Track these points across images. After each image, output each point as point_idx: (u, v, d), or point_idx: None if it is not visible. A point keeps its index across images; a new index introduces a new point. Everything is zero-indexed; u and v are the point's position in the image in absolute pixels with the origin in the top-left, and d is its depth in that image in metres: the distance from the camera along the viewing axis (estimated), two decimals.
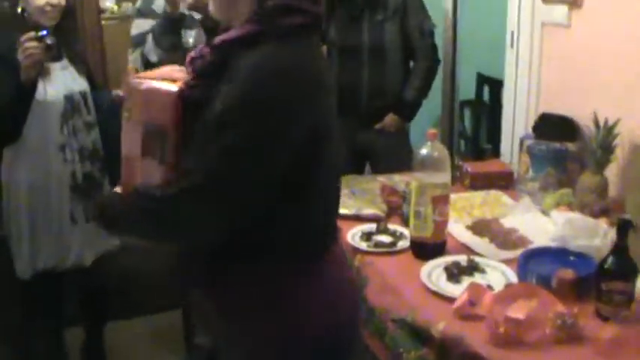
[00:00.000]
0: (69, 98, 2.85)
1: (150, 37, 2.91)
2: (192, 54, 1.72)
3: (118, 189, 1.84)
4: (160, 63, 2.86)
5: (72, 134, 2.88)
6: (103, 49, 3.78)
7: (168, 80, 1.70)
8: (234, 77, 1.57)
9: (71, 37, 3.00)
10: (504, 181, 3.00)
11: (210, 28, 2.71)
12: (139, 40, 2.99)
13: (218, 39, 1.66)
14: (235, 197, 1.58)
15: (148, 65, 2.93)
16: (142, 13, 3.09)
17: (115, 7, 4.21)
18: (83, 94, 2.91)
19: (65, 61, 2.89)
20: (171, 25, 2.85)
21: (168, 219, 1.60)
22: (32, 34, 2.60)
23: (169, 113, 1.65)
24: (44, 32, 2.62)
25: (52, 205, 2.88)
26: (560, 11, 3.02)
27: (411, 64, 3.75)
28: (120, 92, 1.72)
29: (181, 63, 2.81)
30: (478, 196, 2.85)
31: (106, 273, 3.19)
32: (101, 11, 3.95)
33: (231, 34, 1.65)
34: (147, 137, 1.69)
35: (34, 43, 2.58)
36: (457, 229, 2.49)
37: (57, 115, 2.82)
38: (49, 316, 3.09)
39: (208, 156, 1.55)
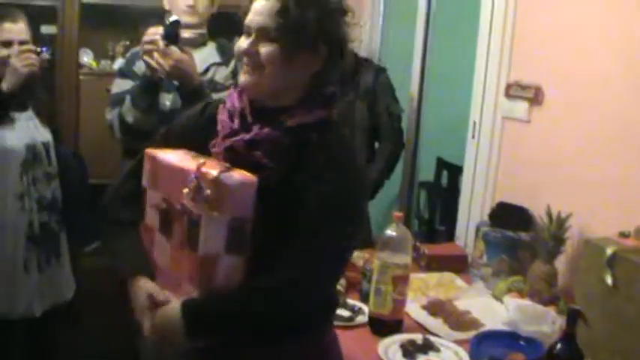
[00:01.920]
0: (30, 148, 2.88)
1: (128, 98, 2.95)
2: (234, 141, 1.74)
3: (187, 292, 1.72)
4: (136, 124, 2.92)
5: (31, 184, 2.89)
6: (79, 104, 3.83)
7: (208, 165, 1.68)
8: (321, 168, 1.71)
9: (39, 89, 3.04)
10: (459, 265, 3.12)
11: (187, 93, 2.80)
12: (118, 100, 3.02)
13: (292, 122, 1.73)
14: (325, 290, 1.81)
15: (123, 125, 2.97)
16: (123, 73, 3.14)
17: (94, 64, 4.26)
18: (46, 145, 2.95)
19: (30, 112, 2.94)
20: (149, 88, 2.89)
21: (275, 318, 1.68)
22: (32, 46, 2.69)
23: (251, 205, 1.66)
24: (44, 49, 2.71)
25: (7, 253, 2.86)
26: (521, 107, 3.18)
27: (376, 145, 3.87)
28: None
29: (156, 125, 2.90)
30: (434, 277, 2.95)
31: (57, 325, 3.16)
32: (79, 66, 4.00)
33: (306, 118, 1.74)
34: (231, 232, 1.66)
35: (33, 55, 2.66)
36: (413, 308, 2.58)
37: (17, 163, 2.85)
38: None
39: (311, 254, 1.68)
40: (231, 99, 1.83)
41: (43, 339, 3.20)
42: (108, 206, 1.95)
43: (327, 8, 1.74)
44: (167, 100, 2.97)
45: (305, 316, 1.73)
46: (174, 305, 1.67)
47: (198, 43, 3.04)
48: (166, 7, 3.07)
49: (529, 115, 3.15)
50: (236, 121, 1.77)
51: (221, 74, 3.08)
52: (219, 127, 1.80)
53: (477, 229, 3.14)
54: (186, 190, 1.63)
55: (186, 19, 2.99)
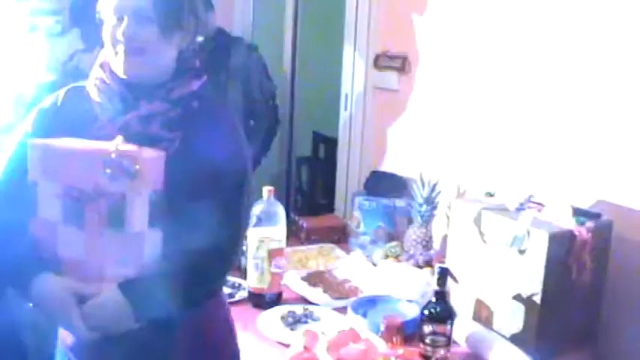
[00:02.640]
0: None
1: None
2: (127, 119, 1.71)
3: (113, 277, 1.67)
4: None
5: None
6: None
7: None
8: (212, 129, 1.77)
9: None
10: (338, 235, 3.16)
11: None
12: None
13: (176, 94, 1.76)
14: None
15: None
16: None
17: None
18: None
19: None
20: None
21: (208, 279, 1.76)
22: None
23: (162, 178, 1.68)
24: None
25: None
26: (391, 77, 3.24)
27: (252, 123, 3.87)
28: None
29: None
30: (313, 249, 2.99)
31: None
32: None
33: (188, 88, 1.78)
34: (151, 207, 1.66)
35: None
36: (293, 280, 2.60)
37: None
38: None
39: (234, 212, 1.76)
40: (102, 80, 1.78)
41: None
42: None
43: None
44: None
45: (225, 275, 1.86)
46: (109, 292, 1.63)
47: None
48: None
49: (398, 84, 3.22)
50: (117, 102, 1.74)
51: (86, 61, 3.01)
52: (97, 111, 1.75)
53: (353, 199, 3.19)
54: (108, 170, 1.59)
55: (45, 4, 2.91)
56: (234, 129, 1.85)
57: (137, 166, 1.59)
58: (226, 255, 1.79)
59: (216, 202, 1.68)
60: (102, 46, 2.73)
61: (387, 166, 3.21)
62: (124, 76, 1.73)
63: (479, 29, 2.78)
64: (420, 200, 2.80)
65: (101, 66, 1.81)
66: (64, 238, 1.70)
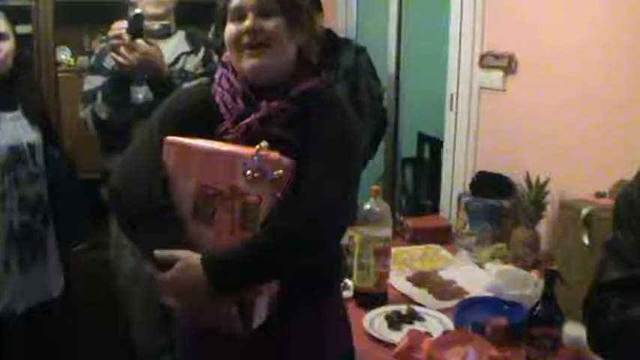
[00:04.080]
0: (14, 148, 2.85)
1: (99, 94, 2.96)
2: (248, 122, 1.75)
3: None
4: (110, 120, 2.92)
5: (13, 184, 2.86)
6: (59, 102, 3.83)
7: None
8: (326, 124, 1.78)
9: (27, 88, 3.03)
10: (443, 236, 3.15)
11: (157, 85, 2.81)
12: (90, 97, 3.01)
13: (296, 91, 1.78)
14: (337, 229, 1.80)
15: (97, 121, 2.97)
16: (94, 69, 3.13)
17: (72, 60, 4.24)
18: (31, 145, 2.91)
19: (18, 112, 2.91)
20: (119, 83, 2.88)
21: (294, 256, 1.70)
22: None
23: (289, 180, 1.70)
24: None
25: None
26: (496, 76, 3.21)
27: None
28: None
29: (130, 120, 2.91)
30: (418, 249, 2.98)
31: (42, 321, 3.10)
32: (57, 64, 4.00)
33: (306, 85, 1.81)
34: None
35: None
36: (398, 281, 2.61)
37: None
38: None
39: (320, 195, 1.71)
40: (226, 80, 1.83)
41: (28, 335, 3.13)
42: (138, 201, 1.79)
43: None
44: (139, 93, 2.98)
45: (319, 256, 1.77)
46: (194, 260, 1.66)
47: (163, 34, 3.05)
48: None
49: (504, 84, 3.18)
50: (240, 102, 1.78)
51: (191, 63, 3.09)
52: (222, 110, 1.80)
53: (459, 200, 3.17)
54: (248, 172, 1.63)
55: (152, 10, 3.00)
56: (344, 114, 1.85)
57: (280, 172, 1.63)
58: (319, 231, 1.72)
59: (315, 185, 1.70)
60: (208, 47, 2.82)
61: (493, 167, 3.17)
62: (249, 73, 1.76)
63: (587, 25, 2.72)
64: (527, 201, 2.76)
65: (224, 65, 1.86)
66: (194, 233, 1.74)
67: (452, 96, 3.51)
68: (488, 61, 3.26)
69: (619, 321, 1.44)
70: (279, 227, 1.65)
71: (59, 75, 3.91)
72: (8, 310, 2.92)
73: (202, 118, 1.82)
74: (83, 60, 4.16)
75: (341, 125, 1.80)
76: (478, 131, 3.38)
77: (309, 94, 1.80)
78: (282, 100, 1.76)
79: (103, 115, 2.93)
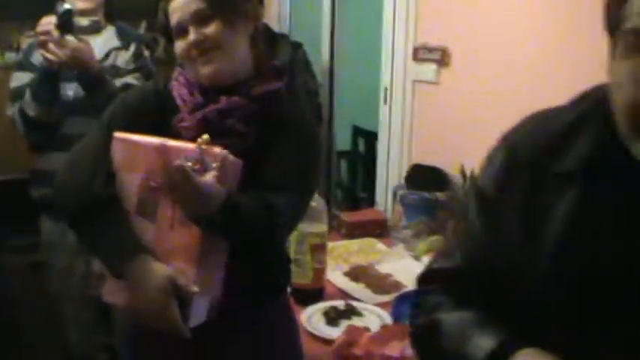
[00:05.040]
0: None
1: (28, 91, 2.88)
2: (206, 112, 1.77)
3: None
4: (38, 117, 2.85)
5: None
6: None
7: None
8: (289, 126, 1.83)
9: None
10: (379, 229, 3.15)
11: (87, 82, 2.75)
12: (18, 94, 2.92)
13: (257, 91, 1.81)
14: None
15: (25, 119, 2.90)
16: (22, 66, 3.05)
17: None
18: None
19: None
20: (47, 79, 2.80)
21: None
22: None
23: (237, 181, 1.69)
24: None
25: None
26: (430, 69, 3.22)
27: None
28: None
29: (59, 117, 2.84)
30: (354, 243, 2.98)
31: None
32: None
33: (268, 87, 1.83)
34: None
35: None
36: (334, 276, 2.60)
37: None
38: None
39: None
40: (183, 76, 1.84)
41: None
42: (80, 193, 1.81)
43: None
44: (69, 89, 2.91)
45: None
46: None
47: (93, 29, 2.98)
48: None
49: (438, 77, 3.20)
50: (197, 95, 1.80)
51: (122, 58, 3.02)
52: (179, 102, 1.82)
53: (395, 193, 3.17)
54: (189, 164, 1.58)
55: (82, 5, 2.93)
56: (308, 124, 1.92)
57: (219, 164, 1.61)
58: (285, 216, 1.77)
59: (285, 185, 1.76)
60: (139, 42, 2.78)
61: (428, 160, 3.18)
62: (208, 80, 1.78)
63: (520, 18, 2.75)
64: (462, 193, 2.78)
65: (181, 65, 1.87)
66: (137, 228, 1.74)
67: (386, 89, 3.51)
68: (421, 54, 3.27)
69: (425, 322, 1.29)
70: (265, 198, 1.70)
71: None
72: None
73: (154, 113, 1.84)
74: (10, 56, 4.07)
75: (301, 139, 1.85)
76: (412, 124, 3.40)
77: (270, 96, 1.84)
78: (243, 98, 1.79)
79: (31, 113, 2.85)
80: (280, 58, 3.65)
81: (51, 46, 2.65)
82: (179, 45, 1.79)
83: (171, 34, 1.82)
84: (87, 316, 3.09)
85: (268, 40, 3.42)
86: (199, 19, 1.75)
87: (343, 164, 5.39)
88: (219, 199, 1.57)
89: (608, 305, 1.10)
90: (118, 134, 1.78)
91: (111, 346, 3.16)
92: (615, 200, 1.11)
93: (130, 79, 2.93)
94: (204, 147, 1.62)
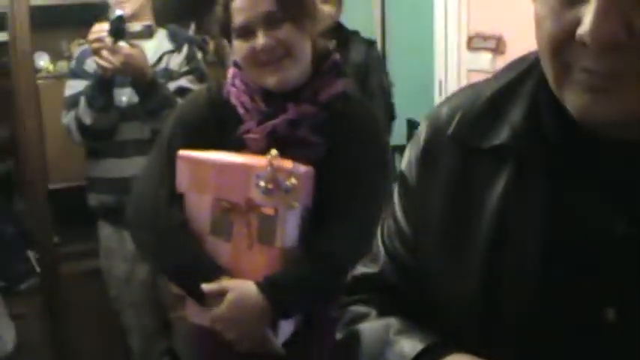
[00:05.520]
0: None
1: (82, 99, 2.88)
2: (276, 123, 1.68)
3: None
4: (94, 124, 2.85)
5: None
6: (39, 109, 3.74)
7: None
8: (360, 134, 1.73)
9: None
10: None
11: (141, 87, 2.73)
12: (73, 102, 2.95)
13: (325, 96, 1.71)
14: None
15: (81, 127, 2.91)
16: (75, 73, 3.06)
17: (51, 66, 4.15)
18: None
19: None
20: (102, 86, 2.81)
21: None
22: None
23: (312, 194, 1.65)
24: None
25: None
26: (485, 58, 3.15)
27: None
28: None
29: (113, 124, 2.84)
30: None
31: None
32: (37, 70, 3.91)
33: (334, 90, 1.73)
34: (302, 223, 1.65)
35: None
36: None
37: None
38: None
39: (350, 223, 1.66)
40: (241, 80, 1.75)
41: None
42: (149, 221, 1.80)
43: None
44: (123, 95, 2.91)
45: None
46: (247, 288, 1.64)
47: (146, 34, 2.98)
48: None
49: (493, 66, 3.12)
50: (260, 103, 1.71)
51: (175, 61, 3.01)
52: (240, 111, 1.73)
53: None
54: (262, 184, 1.57)
55: (128, 9, 2.92)
56: (379, 133, 1.83)
57: (293, 181, 1.56)
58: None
59: (354, 209, 1.67)
60: (191, 44, 2.74)
61: None
62: (276, 88, 1.69)
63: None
64: None
65: (236, 65, 1.78)
66: (211, 248, 1.71)
67: (440, 81, 3.45)
68: (475, 43, 3.21)
69: (343, 336, 1.12)
70: (324, 251, 1.64)
71: (39, 82, 3.82)
72: None
73: (214, 124, 1.76)
74: (62, 65, 4.08)
75: (374, 144, 1.79)
76: None
77: (338, 99, 1.75)
78: (312, 105, 1.70)
79: (87, 121, 2.86)
80: (354, 57, 3.62)
81: (104, 53, 2.65)
82: (242, 46, 1.69)
83: (228, 31, 1.73)
84: (148, 322, 3.10)
85: (341, 38, 3.39)
86: (270, 21, 1.65)
87: (398, 158, 5.31)
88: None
89: (555, 314, 0.89)
90: (182, 153, 1.73)
91: (172, 350, 3.17)
92: (554, 180, 0.90)
93: (183, 82, 2.92)
94: (275, 163, 1.57)
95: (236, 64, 1.78)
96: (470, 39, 3.23)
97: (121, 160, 2.91)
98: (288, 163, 1.59)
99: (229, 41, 1.76)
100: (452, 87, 3.35)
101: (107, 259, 3.12)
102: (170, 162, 1.75)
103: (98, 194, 3.01)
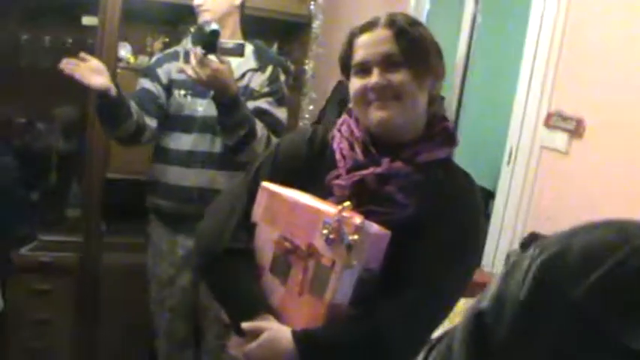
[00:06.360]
0: None
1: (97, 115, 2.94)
2: (365, 174, 1.65)
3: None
4: (113, 136, 3.00)
5: None
6: None
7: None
8: (452, 206, 1.67)
9: None
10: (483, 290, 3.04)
11: (223, 102, 2.75)
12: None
13: (424, 158, 1.67)
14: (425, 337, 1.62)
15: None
16: (147, 73, 3.08)
17: (132, 58, 4.21)
18: None
19: None
20: (110, 104, 2.80)
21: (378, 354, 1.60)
22: None
23: (382, 258, 1.60)
24: None
25: None
26: (561, 138, 3.11)
27: None
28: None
29: (137, 129, 2.91)
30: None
31: None
32: (118, 59, 3.97)
33: (437, 154, 1.69)
34: (359, 283, 1.58)
35: None
36: None
37: None
38: None
39: (420, 302, 1.61)
40: (347, 127, 1.74)
41: None
42: (213, 240, 1.81)
43: (423, 25, 1.74)
44: (199, 106, 2.94)
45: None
46: (283, 332, 1.63)
47: (237, 52, 3.00)
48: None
49: (568, 147, 3.08)
50: (359, 152, 1.69)
51: (257, 81, 3.03)
52: (337, 157, 1.72)
53: (507, 257, 3.07)
54: (325, 232, 1.54)
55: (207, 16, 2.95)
56: (478, 212, 1.75)
57: (356, 237, 1.51)
58: (406, 338, 1.62)
59: (425, 291, 1.62)
60: (275, 65, 2.77)
61: (545, 230, 3.06)
62: (377, 127, 1.67)
63: None
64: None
65: (349, 113, 1.78)
66: (265, 284, 1.71)
67: (511, 149, 3.42)
68: (554, 120, 3.17)
69: None
70: (373, 324, 1.58)
71: (118, 71, 3.88)
72: None
73: (309, 166, 1.77)
74: (143, 59, 4.14)
75: (469, 218, 1.71)
76: (534, 191, 3.29)
77: (439, 165, 1.71)
78: (406, 164, 1.67)
79: (106, 131, 3.02)
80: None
81: (193, 62, 2.67)
82: (357, 83, 1.69)
83: (348, 67, 1.74)
84: (180, 329, 3.11)
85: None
86: (388, 63, 1.66)
87: None
88: None
89: None
90: (265, 184, 1.74)
91: None
92: None
93: (262, 103, 2.94)
94: (344, 215, 1.54)
95: (348, 111, 1.78)
96: (549, 115, 3.20)
97: (187, 169, 2.94)
98: (358, 219, 1.54)
99: (347, 77, 1.76)
100: (522, 159, 3.32)
101: (155, 259, 3.14)
102: (252, 188, 1.77)
103: (158, 198, 3.04)
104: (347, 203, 1.57)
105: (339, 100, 3.52)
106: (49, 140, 4.02)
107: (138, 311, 3.37)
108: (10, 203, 2.80)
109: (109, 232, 3.86)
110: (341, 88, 3.49)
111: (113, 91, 2.69)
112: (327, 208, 1.61)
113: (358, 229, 1.52)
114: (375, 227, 1.56)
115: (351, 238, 1.52)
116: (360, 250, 1.53)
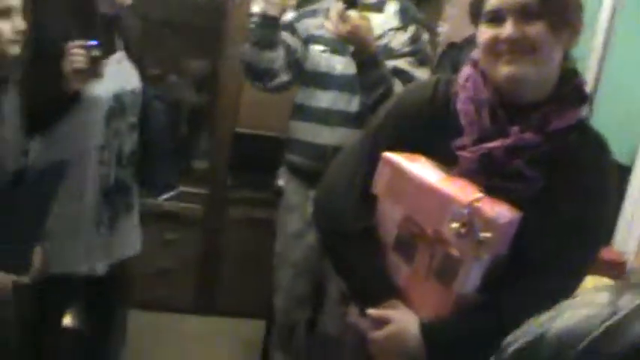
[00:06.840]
0: (118, 97, 2.58)
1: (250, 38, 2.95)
2: (492, 148, 1.54)
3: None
4: (257, 64, 2.91)
5: (113, 136, 2.60)
6: None
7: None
8: (582, 176, 1.56)
9: (127, 28, 2.69)
10: (616, 271, 2.93)
11: (361, 60, 2.70)
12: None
13: (555, 126, 1.54)
14: None
15: (246, 67, 2.99)
16: (286, 26, 2.98)
17: None
18: (134, 93, 2.65)
19: (121, 54, 2.63)
20: (267, 24, 2.83)
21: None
22: (81, 42, 2.31)
23: (510, 241, 1.53)
24: (93, 42, 2.32)
25: (81, 208, 2.58)
26: None
27: None
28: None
29: (282, 65, 2.89)
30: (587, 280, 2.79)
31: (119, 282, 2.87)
32: (250, 15, 3.97)
33: (568, 120, 1.56)
34: (487, 271, 1.53)
35: (81, 53, 2.30)
36: None
37: (102, 114, 2.54)
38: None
39: (545, 285, 1.51)
40: (473, 84, 1.61)
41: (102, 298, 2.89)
42: (334, 217, 1.77)
43: None
44: (338, 63, 2.91)
45: None
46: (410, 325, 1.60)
47: (377, 7, 2.93)
48: None
49: None
50: (485, 118, 1.57)
51: (398, 40, 2.94)
52: (462, 121, 1.60)
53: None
54: (455, 225, 1.47)
55: None
56: (611, 184, 1.63)
57: (488, 234, 1.43)
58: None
59: (556, 273, 1.53)
60: (418, 24, 2.67)
61: None
62: (505, 82, 1.53)
63: None
64: None
65: (474, 66, 1.64)
66: (392, 264, 1.66)
67: None
68: None
69: None
70: (505, 312, 1.49)
71: (251, 26, 3.88)
72: (91, 271, 2.65)
73: (431, 126, 1.66)
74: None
75: (601, 191, 1.60)
76: None
77: (570, 132, 1.57)
78: (537, 134, 1.54)
79: (250, 58, 2.94)
80: None
81: (333, 18, 2.64)
82: (487, 32, 1.55)
83: (479, 13, 1.59)
84: (301, 287, 3.10)
85: None
86: (524, 13, 1.50)
87: None
88: None
89: None
90: (386, 155, 1.64)
91: (311, 321, 3.17)
92: None
93: (401, 63, 2.87)
94: (476, 206, 1.45)
95: (473, 63, 1.64)
96: None
97: (324, 127, 2.92)
98: (491, 212, 1.45)
99: (476, 24, 1.62)
100: None
101: (285, 213, 3.13)
102: (373, 154, 1.69)
103: (293, 154, 3.03)
104: (479, 194, 1.48)
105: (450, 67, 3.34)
106: (181, 93, 4.08)
107: (260, 265, 3.39)
108: (162, 149, 2.86)
109: (235, 186, 3.90)
110: (452, 55, 3.32)
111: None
112: (459, 193, 1.51)
113: (491, 224, 1.44)
114: (506, 214, 1.47)
115: (483, 234, 1.43)
116: (490, 245, 1.46)
